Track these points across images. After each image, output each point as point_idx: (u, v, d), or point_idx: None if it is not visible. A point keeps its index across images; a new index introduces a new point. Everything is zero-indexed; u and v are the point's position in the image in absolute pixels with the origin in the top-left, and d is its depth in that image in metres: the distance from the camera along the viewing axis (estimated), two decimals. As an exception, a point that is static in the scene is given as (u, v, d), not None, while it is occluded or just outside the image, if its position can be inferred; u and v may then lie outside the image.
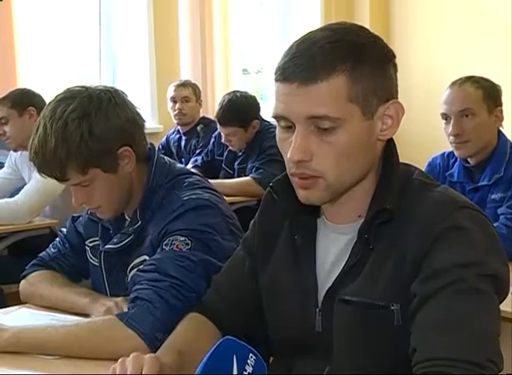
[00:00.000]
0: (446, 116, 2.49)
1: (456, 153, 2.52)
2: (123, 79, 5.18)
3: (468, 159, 2.52)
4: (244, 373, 1.07)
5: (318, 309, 1.25)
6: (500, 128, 2.53)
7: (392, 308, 1.15)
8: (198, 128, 4.60)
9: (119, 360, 1.17)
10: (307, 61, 1.12)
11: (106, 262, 1.79)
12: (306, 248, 1.28)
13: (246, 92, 4.10)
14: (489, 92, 2.48)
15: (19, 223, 3.19)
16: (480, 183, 2.46)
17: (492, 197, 2.42)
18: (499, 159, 2.47)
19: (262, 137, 3.96)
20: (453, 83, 2.51)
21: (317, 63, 1.12)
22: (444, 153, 2.67)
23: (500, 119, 2.51)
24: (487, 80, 2.53)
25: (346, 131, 1.14)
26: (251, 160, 3.98)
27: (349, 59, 1.13)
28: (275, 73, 1.17)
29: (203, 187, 1.74)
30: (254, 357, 1.09)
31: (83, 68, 5.08)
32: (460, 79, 2.52)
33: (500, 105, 2.51)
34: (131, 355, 1.17)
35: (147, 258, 1.67)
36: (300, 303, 1.28)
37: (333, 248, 1.26)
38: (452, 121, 2.45)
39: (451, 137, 2.48)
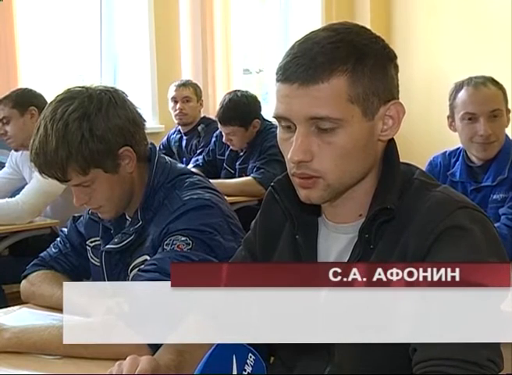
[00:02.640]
0: (472, 116, 2.47)
1: (480, 154, 2.49)
2: (124, 78, 5.18)
3: (474, 160, 2.52)
4: (244, 373, 1.07)
5: (319, 309, 1.25)
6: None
7: (392, 308, 1.15)
8: (199, 128, 4.60)
9: (117, 363, 1.18)
10: (309, 61, 1.12)
11: (107, 262, 1.79)
12: (307, 247, 1.28)
13: (247, 91, 4.10)
14: (505, 93, 2.50)
15: (20, 222, 3.19)
16: (483, 184, 2.45)
17: (494, 197, 2.42)
18: (503, 160, 2.46)
19: (263, 137, 3.96)
20: (475, 83, 2.48)
21: (318, 64, 1.12)
22: (445, 152, 2.66)
23: (509, 120, 2.51)
24: (498, 82, 2.54)
25: (346, 132, 1.14)
26: (252, 160, 3.98)
27: (350, 60, 1.13)
28: (277, 73, 1.17)
29: (204, 186, 1.74)
30: (253, 357, 1.09)
31: (84, 68, 5.09)
32: (477, 78, 2.50)
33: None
34: (128, 358, 1.18)
35: (148, 258, 1.67)
36: (301, 303, 1.28)
37: (334, 247, 1.26)
38: (482, 121, 2.43)
39: (479, 138, 2.46)
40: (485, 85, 2.47)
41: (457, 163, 2.57)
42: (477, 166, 2.51)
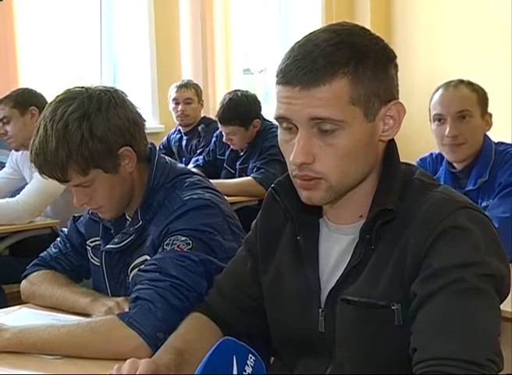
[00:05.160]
0: (440, 117, 2.45)
1: (449, 156, 2.47)
2: (124, 78, 5.18)
3: (455, 164, 2.49)
4: (244, 373, 1.07)
5: (320, 310, 1.25)
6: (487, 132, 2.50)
7: (393, 308, 1.15)
8: (199, 128, 4.61)
9: (115, 366, 1.19)
10: (310, 64, 1.12)
11: (107, 261, 1.79)
12: (308, 248, 1.28)
13: (247, 91, 4.10)
14: (482, 96, 2.45)
15: (20, 222, 3.19)
16: (466, 189, 2.43)
17: (483, 205, 2.38)
18: (483, 164, 2.42)
19: (263, 137, 3.97)
20: (447, 85, 2.46)
21: (319, 67, 1.12)
22: (432, 154, 2.63)
23: (489, 124, 2.46)
24: (477, 85, 2.49)
25: (348, 134, 1.14)
26: (252, 160, 3.98)
27: (351, 62, 1.13)
28: (277, 76, 1.16)
29: (204, 186, 1.74)
30: (253, 357, 1.09)
31: (84, 68, 5.08)
32: (452, 81, 2.47)
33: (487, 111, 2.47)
34: (127, 361, 1.19)
35: (148, 258, 1.67)
36: (303, 303, 1.28)
37: (335, 248, 1.26)
38: (449, 122, 2.41)
39: (446, 139, 2.42)
40: (455, 87, 2.44)
41: (441, 169, 2.55)
42: (459, 172, 2.49)
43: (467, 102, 2.42)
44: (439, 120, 2.44)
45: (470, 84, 2.46)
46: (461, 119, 2.41)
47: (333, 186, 1.17)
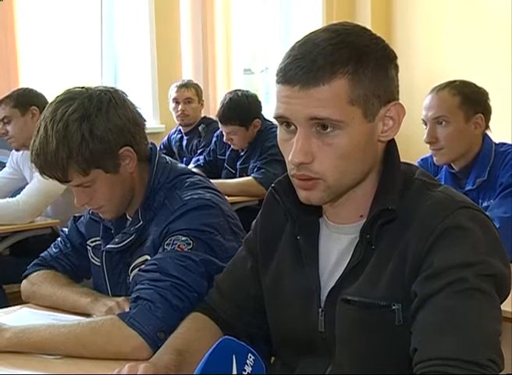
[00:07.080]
0: (424, 122, 2.46)
1: (434, 159, 2.49)
2: (125, 79, 5.18)
3: (452, 165, 2.50)
4: (243, 373, 1.07)
5: (320, 309, 1.25)
6: (487, 132, 2.48)
7: (393, 307, 1.15)
8: (200, 128, 4.61)
9: (116, 370, 1.19)
10: (309, 64, 1.12)
11: (108, 261, 1.79)
12: (308, 248, 1.28)
13: (247, 91, 4.10)
14: (468, 99, 2.42)
15: (20, 222, 3.19)
16: (466, 189, 2.42)
17: (484, 205, 2.38)
18: (482, 164, 2.42)
19: (264, 137, 3.97)
20: (433, 89, 2.46)
21: (319, 66, 1.11)
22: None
23: (481, 125, 2.43)
24: (469, 86, 2.47)
25: (347, 134, 1.14)
26: (253, 160, 3.99)
27: (351, 62, 1.13)
28: (277, 75, 1.17)
29: (204, 186, 1.74)
30: (253, 357, 1.09)
31: (85, 68, 5.07)
32: (441, 84, 2.46)
33: (482, 111, 2.44)
34: (126, 365, 1.19)
35: (148, 258, 1.67)
36: (303, 303, 1.28)
37: (335, 248, 1.26)
38: (427, 128, 2.43)
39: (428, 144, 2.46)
40: (438, 91, 2.43)
41: (442, 169, 2.56)
42: (458, 172, 2.49)
43: (443, 108, 2.41)
44: (425, 124, 2.46)
45: (455, 88, 2.43)
46: (438, 124, 2.42)
47: (331, 186, 1.17)
